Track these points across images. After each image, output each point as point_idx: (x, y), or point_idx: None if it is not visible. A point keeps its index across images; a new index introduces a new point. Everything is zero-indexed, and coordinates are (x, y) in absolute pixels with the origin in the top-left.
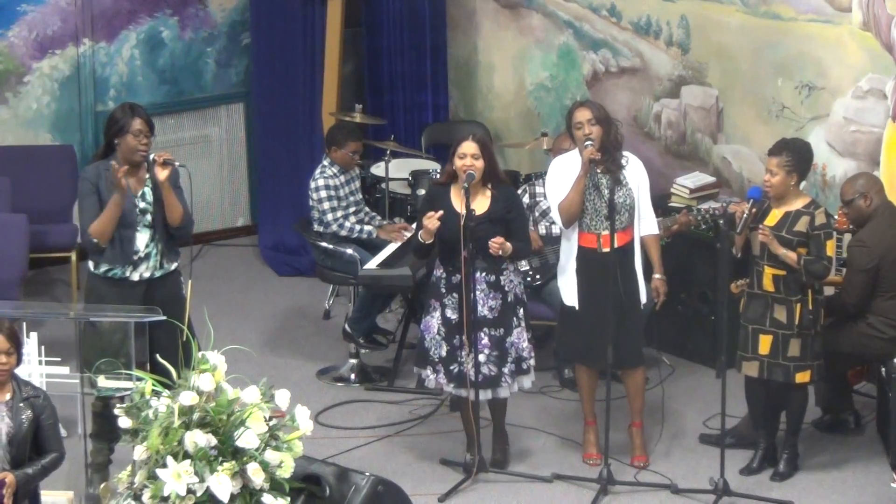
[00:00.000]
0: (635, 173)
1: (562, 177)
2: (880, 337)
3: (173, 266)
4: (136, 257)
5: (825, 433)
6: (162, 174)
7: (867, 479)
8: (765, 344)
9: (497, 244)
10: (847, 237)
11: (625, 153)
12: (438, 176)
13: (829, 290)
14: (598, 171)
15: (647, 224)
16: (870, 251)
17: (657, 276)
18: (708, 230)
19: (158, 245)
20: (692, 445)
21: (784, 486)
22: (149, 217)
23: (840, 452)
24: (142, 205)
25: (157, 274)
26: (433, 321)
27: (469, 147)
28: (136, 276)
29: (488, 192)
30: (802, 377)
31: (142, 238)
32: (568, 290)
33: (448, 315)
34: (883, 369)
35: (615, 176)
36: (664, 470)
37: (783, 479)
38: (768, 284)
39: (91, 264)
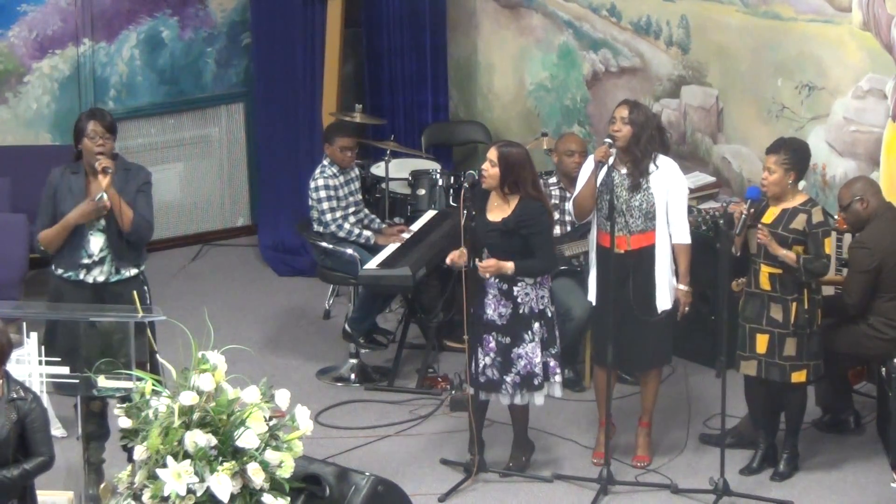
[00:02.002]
0: (666, 180)
1: (587, 174)
2: (880, 338)
3: (131, 272)
4: (89, 260)
5: (825, 433)
6: (103, 181)
7: (867, 479)
8: (762, 343)
9: (483, 267)
10: (847, 238)
11: (663, 160)
12: (438, 177)
13: (829, 291)
14: (623, 172)
15: (677, 232)
16: (871, 253)
17: (681, 286)
18: (708, 230)
19: (113, 250)
20: (692, 445)
21: (784, 486)
22: (103, 221)
23: (840, 452)
24: None
25: (113, 279)
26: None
27: (490, 153)
28: (90, 279)
29: (512, 203)
30: (798, 377)
31: (96, 242)
32: (591, 286)
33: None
34: (883, 369)
35: (635, 180)
36: (664, 470)
37: (783, 479)
38: (765, 283)
39: (52, 265)
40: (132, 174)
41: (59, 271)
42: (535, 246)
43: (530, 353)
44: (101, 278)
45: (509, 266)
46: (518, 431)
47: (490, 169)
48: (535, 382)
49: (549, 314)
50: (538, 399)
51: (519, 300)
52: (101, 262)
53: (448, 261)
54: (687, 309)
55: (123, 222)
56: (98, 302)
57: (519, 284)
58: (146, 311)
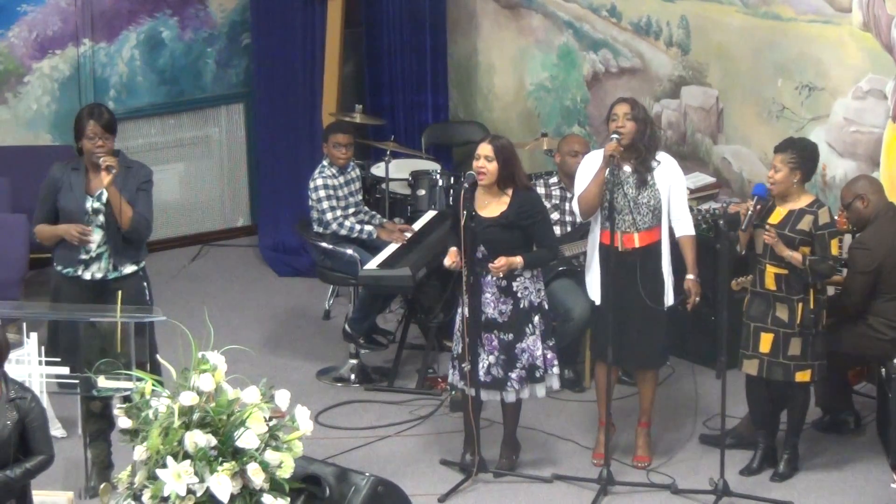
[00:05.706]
0: (668, 175)
1: (589, 171)
2: (880, 338)
3: (129, 269)
4: (87, 256)
5: (825, 433)
6: (105, 179)
7: (867, 479)
8: (765, 342)
9: (496, 267)
10: (848, 238)
11: (661, 155)
12: (438, 177)
13: (829, 290)
14: (628, 169)
15: (682, 225)
16: (871, 253)
17: (690, 276)
18: (708, 230)
19: (111, 247)
20: (692, 445)
21: (784, 487)
22: (101, 217)
23: (840, 452)
24: (96, 205)
25: (111, 276)
26: (457, 318)
27: (484, 149)
28: (87, 276)
29: (506, 197)
30: (802, 376)
31: (94, 238)
32: (593, 286)
33: (465, 313)
34: (883, 369)
35: (641, 177)
36: (664, 470)
37: (783, 480)
38: (770, 283)
39: (53, 261)
40: (133, 172)
41: (59, 267)
42: (541, 234)
43: (532, 345)
44: (98, 275)
45: (518, 261)
46: (509, 431)
47: (488, 164)
48: (538, 375)
49: (546, 306)
50: (540, 391)
51: (519, 295)
52: (99, 258)
53: (449, 264)
54: (698, 299)
55: (122, 220)
56: (97, 299)
57: (518, 279)
58: (146, 310)
